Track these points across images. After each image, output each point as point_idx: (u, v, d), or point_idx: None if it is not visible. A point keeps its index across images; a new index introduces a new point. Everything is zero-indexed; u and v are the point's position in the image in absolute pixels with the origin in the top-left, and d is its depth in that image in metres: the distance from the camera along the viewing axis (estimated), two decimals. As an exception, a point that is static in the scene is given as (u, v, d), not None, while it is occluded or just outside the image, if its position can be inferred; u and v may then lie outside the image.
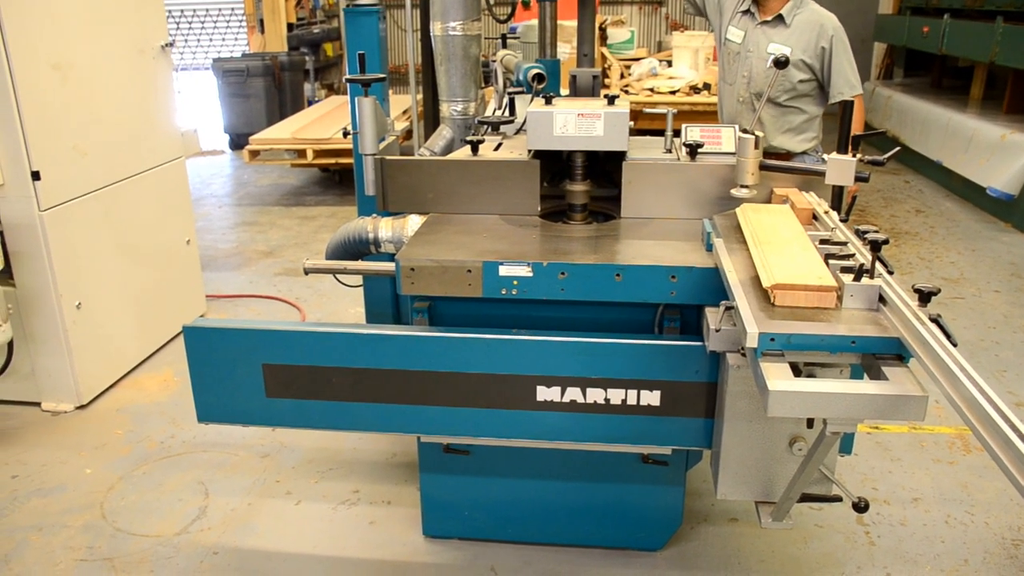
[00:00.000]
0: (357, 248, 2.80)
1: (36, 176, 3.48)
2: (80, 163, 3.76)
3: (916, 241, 6.18)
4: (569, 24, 5.05)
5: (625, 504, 2.74)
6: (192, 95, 11.51)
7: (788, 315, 1.80)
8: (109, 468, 3.41)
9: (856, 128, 3.58)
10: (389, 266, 2.46)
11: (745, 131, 2.49)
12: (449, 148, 3.27)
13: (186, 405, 3.64)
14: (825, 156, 2.40)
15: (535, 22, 3.60)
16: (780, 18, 3.63)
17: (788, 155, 3.75)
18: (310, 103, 9.99)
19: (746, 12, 3.74)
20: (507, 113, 3.20)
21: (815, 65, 3.61)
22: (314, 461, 3.43)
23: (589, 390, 2.27)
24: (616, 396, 2.27)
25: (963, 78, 8.98)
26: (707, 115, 5.65)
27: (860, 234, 2.06)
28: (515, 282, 2.25)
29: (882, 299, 1.82)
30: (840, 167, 2.34)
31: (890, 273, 1.95)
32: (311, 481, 3.30)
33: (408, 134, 6.78)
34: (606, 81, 6.27)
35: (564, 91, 3.35)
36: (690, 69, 6.30)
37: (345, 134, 2.87)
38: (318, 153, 7.19)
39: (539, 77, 2.90)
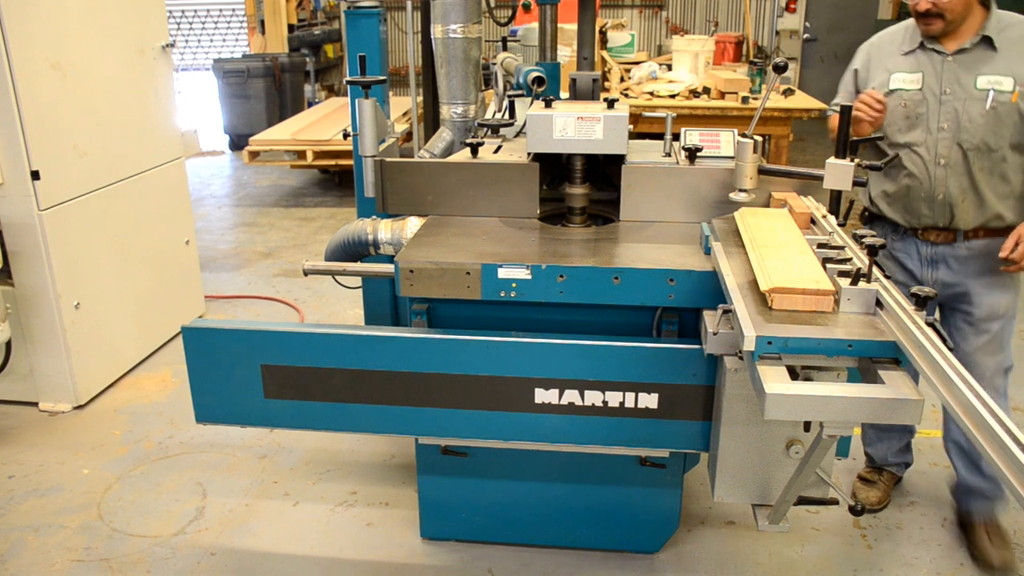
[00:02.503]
0: (356, 250, 2.80)
1: (36, 176, 3.49)
2: (80, 163, 3.76)
3: (914, 246, 6.18)
4: (569, 27, 5.06)
5: (623, 507, 2.74)
6: (192, 96, 11.51)
7: (785, 319, 1.80)
8: (106, 468, 3.41)
9: None
10: (388, 268, 2.47)
11: (744, 135, 2.49)
12: (449, 150, 3.28)
13: (184, 406, 3.65)
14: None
15: (535, 25, 3.60)
16: (987, 41, 2.61)
17: (1008, 227, 2.69)
18: (310, 104, 9.99)
19: (919, 48, 2.71)
20: (507, 116, 3.20)
21: None
22: (312, 462, 3.43)
23: (587, 392, 2.28)
24: (614, 399, 2.27)
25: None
26: (706, 119, 5.66)
27: (858, 238, 2.06)
28: (514, 284, 2.26)
29: (879, 303, 1.82)
30: (837, 171, 2.35)
31: (887, 277, 1.96)
32: (309, 482, 3.30)
33: (408, 136, 6.77)
34: (606, 84, 6.28)
35: (564, 94, 3.36)
36: (690, 73, 6.30)
37: (345, 136, 2.88)
38: (318, 154, 7.19)
39: (539, 80, 2.91)
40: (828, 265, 1.96)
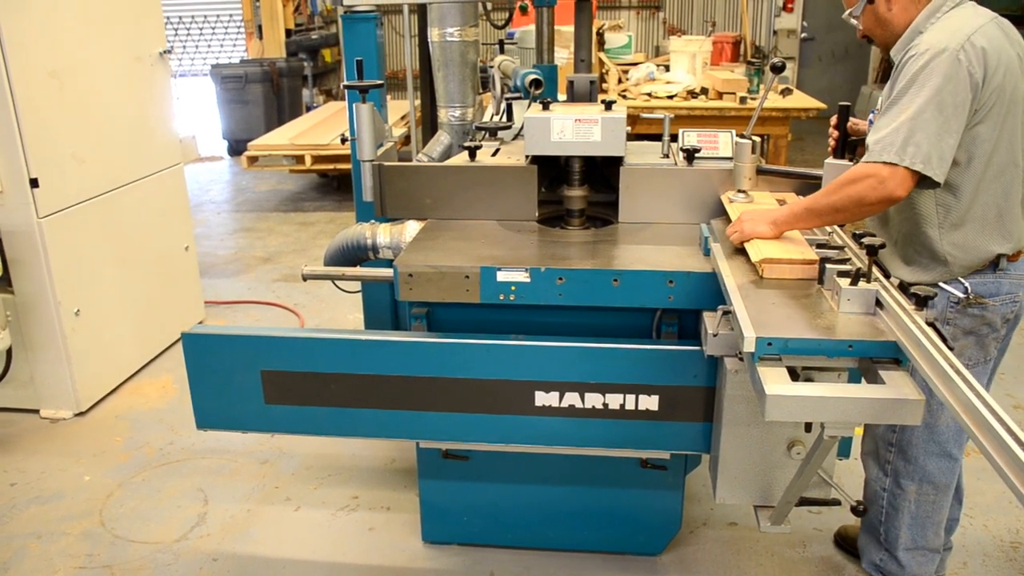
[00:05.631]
0: (355, 254, 2.80)
1: (34, 183, 3.49)
2: (78, 170, 3.76)
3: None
4: (566, 29, 5.06)
5: (624, 509, 2.74)
6: (190, 101, 11.51)
7: (784, 318, 1.80)
8: (108, 475, 3.41)
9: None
10: (387, 272, 2.47)
11: (742, 136, 2.50)
12: (447, 154, 3.28)
13: (185, 412, 3.64)
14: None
15: (532, 28, 3.60)
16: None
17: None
18: (308, 109, 9.99)
19: None
20: (505, 119, 3.21)
21: None
22: (313, 467, 3.43)
23: (587, 395, 2.28)
24: (614, 401, 2.27)
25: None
26: (704, 120, 5.66)
27: (857, 238, 2.06)
28: (513, 287, 2.25)
29: (879, 303, 1.82)
30: (836, 171, 2.34)
31: (887, 276, 1.96)
32: (310, 487, 3.30)
33: (406, 140, 6.78)
34: (604, 86, 6.28)
35: (561, 96, 3.36)
36: (687, 74, 6.30)
37: (343, 140, 2.88)
38: (316, 159, 7.19)
39: (536, 83, 2.91)
40: (828, 265, 1.96)
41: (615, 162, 2.65)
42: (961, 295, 2.17)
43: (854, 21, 2.28)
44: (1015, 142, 2.11)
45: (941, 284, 2.18)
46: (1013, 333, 2.31)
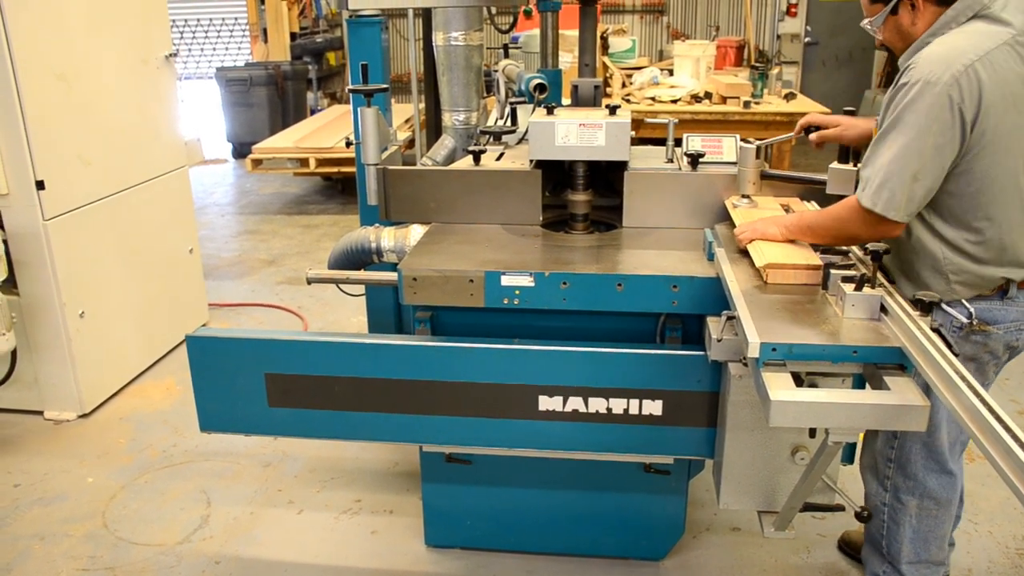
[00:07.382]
0: (360, 258, 2.80)
1: (40, 185, 3.50)
2: (84, 173, 3.77)
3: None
4: (571, 34, 5.06)
5: (627, 513, 2.73)
6: (195, 104, 11.54)
7: (788, 324, 1.80)
8: (111, 477, 3.41)
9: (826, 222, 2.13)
10: (391, 276, 2.47)
11: (746, 141, 2.50)
12: (451, 158, 3.28)
13: (188, 414, 3.64)
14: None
15: (537, 32, 3.61)
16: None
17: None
18: (313, 112, 10.01)
19: None
20: (509, 123, 3.21)
21: None
22: (316, 470, 3.43)
23: (591, 399, 2.27)
24: (618, 405, 2.27)
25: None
26: (708, 124, 5.66)
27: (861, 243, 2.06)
28: (517, 292, 2.25)
29: (883, 309, 1.82)
30: (840, 176, 2.35)
31: (891, 283, 1.96)
32: (313, 490, 3.30)
33: (410, 143, 6.79)
34: (608, 90, 6.28)
35: (566, 101, 3.36)
36: (691, 78, 6.30)
37: (348, 144, 2.88)
38: (321, 162, 7.20)
39: (541, 87, 2.91)
40: (832, 270, 1.96)
41: (619, 167, 2.65)
42: (965, 320, 2.07)
43: (870, 28, 2.19)
44: (1019, 174, 1.98)
45: (944, 307, 2.10)
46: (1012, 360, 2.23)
